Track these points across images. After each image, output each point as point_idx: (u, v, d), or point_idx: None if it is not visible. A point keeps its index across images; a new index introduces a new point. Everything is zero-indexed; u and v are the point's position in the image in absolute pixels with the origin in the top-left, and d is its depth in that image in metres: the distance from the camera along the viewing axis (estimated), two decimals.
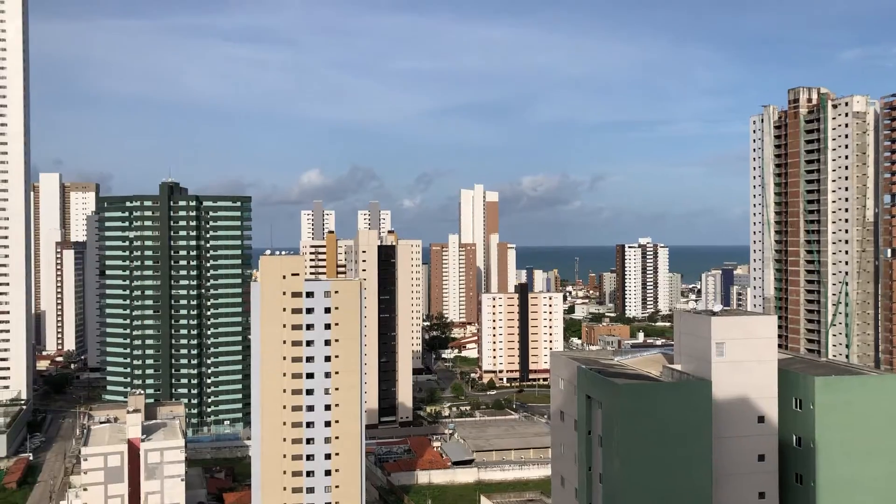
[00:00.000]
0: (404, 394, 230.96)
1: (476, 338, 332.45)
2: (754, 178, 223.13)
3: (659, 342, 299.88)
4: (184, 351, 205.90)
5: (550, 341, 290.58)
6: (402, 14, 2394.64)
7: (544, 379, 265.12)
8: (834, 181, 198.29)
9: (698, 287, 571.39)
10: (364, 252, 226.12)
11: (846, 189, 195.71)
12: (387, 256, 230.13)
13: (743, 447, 60.15)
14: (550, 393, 79.10)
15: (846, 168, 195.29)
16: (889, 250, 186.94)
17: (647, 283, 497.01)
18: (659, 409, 57.73)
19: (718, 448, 58.52)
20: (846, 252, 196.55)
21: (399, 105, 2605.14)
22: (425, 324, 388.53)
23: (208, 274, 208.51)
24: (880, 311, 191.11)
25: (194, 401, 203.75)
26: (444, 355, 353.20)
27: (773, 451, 60.78)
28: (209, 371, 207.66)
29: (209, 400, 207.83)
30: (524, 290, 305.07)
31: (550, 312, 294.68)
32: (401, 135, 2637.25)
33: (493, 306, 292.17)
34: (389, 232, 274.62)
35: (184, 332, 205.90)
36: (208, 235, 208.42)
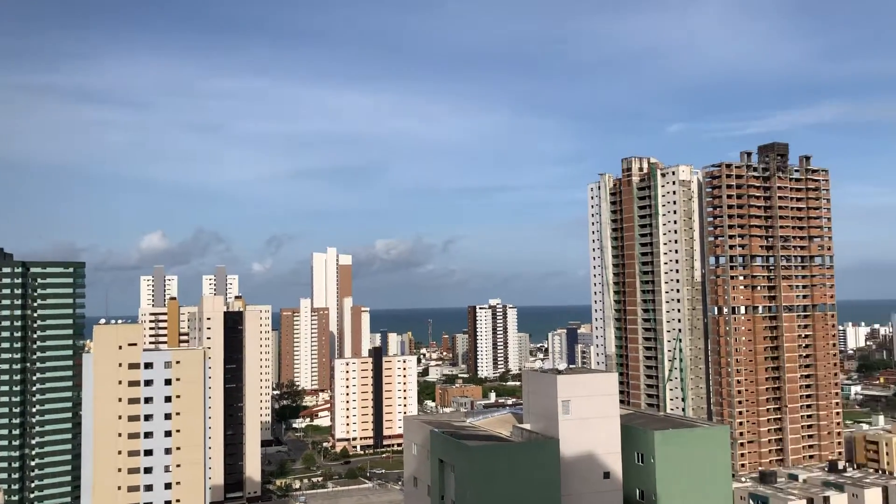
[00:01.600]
0: (252, 467, 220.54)
1: (329, 405, 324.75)
2: (594, 241, 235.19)
3: (510, 402, 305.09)
4: (3, 432, 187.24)
5: (405, 405, 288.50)
6: (255, 77, 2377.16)
7: (399, 444, 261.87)
8: (665, 244, 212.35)
9: (545, 346, 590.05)
10: (209, 319, 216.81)
11: (676, 251, 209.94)
12: (233, 323, 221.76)
13: (590, 503, 61.25)
14: (404, 458, 77.82)
15: (675, 232, 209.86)
16: (716, 308, 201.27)
17: (498, 344, 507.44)
18: (509, 469, 57.95)
19: None
20: (678, 311, 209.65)
21: (249, 167, 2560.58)
22: (275, 392, 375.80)
23: (35, 346, 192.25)
24: (710, 366, 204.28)
25: (15, 486, 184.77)
26: (295, 425, 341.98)
27: None
28: (33, 453, 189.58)
29: (33, 485, 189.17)
30: (378, 354, 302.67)
31: (405, 376, 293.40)
32: (250, 198, 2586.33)
33: (347, 372, 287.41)
34: (237, 297, 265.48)
35: (4, 410, 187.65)
36: (35, 304, 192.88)
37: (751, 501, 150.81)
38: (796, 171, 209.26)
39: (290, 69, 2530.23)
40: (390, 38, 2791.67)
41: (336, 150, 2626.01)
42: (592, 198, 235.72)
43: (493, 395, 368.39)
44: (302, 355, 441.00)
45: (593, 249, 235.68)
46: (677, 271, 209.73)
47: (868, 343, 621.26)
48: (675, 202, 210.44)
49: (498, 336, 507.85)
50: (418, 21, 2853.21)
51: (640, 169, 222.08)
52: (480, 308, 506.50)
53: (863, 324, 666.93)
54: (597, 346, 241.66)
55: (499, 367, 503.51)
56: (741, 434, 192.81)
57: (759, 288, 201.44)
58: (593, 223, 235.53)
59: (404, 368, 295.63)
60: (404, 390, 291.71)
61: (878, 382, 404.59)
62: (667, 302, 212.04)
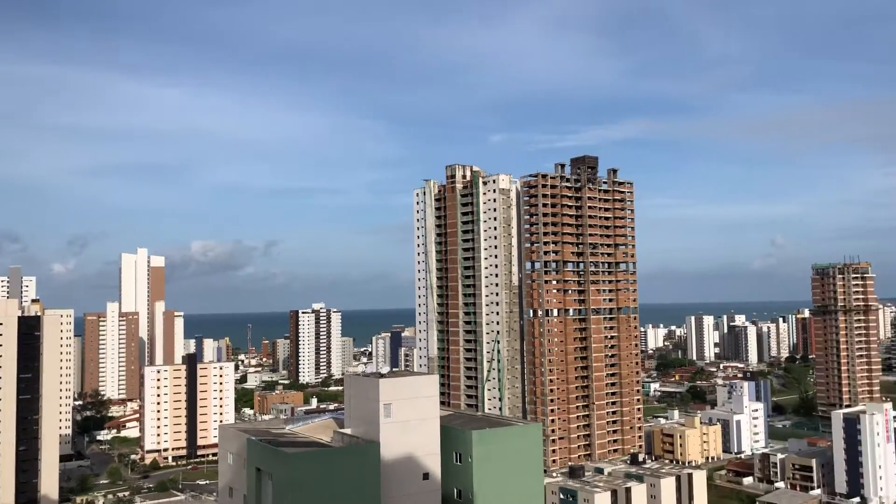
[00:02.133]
0: (49, 485, 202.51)
1: (138, 415, 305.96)
2: (419, 245, 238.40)
3: (332, 407, 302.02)
4: None
5: (221, 413, 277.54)
6: (59, 65, 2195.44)
7: (214, 454, 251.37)
8: (486, 249, 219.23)
9: (369, 350, 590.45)
10: (0, 325, 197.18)
11: (496, 257, 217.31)
12: (29, 329, 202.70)
13: None
14: (219, 468, 74.43)
15: (495, 238, 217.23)
16: (531, 311, 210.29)
17: (321, 349, 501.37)
18: (329, 475, 56.93)
19: None
20: (497, 313, 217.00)
21: (50, 161, 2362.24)
22: (78, 403, 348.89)
23: None
24: (525, 366, 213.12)
25: None
26: (99, 437, 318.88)
27: None
28: None
29: None
30: (192, 361, 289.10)
31: (221, 383, 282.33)
32: (51, 193, 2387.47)
33: (158, 380, 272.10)
34: (34, 301, 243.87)
35: None
36: None
37: (561, 496, 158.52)
38: (605, 183, 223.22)
39: (97, 56, 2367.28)
40: (208, 30, 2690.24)
41: (148, 146, 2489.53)
42: (418, 203, 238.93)
43: (314, 401, 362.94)
44: (108, 363, 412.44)
45: (418, 254, 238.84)
46: (497, 276, 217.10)
47: (666, 343, 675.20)
48: (495, 209, 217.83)
49: (321, 341, 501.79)
50: (238, 15, 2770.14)
51: (464, 176, 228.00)
52: (303, 312, 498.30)
53: (661, 325, 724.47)
54: (420, 348, 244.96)
55: (321, 372, 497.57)
56: (553, 431, 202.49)
57: (570, 292, 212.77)
58: (419, 228, 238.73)
59: (221, 375, 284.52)
60: (220, 398, 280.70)
61: (674, 379, 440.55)
62: (486, 305, 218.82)
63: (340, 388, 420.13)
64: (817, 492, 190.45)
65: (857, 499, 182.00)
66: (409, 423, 61.93)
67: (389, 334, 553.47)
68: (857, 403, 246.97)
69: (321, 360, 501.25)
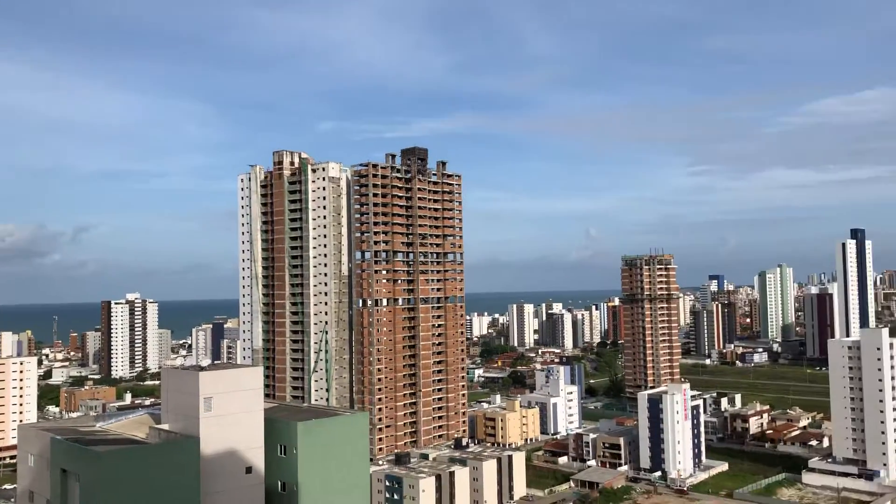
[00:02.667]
0: None
1: None
2: (244, 233, 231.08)
3: (148, 402, 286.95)
4: None
5: (21, 413, 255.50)
6: None
7: (13, 457, 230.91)
8: (315, 238, 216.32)
9: (189, 342, 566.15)
10: None
11: (325, 246, 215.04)
12: None
13: (231, 500, 59.64)
14: (17, 472, 68.50)
15: (324, 227, 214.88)
16: (361, 301, 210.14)
17: (136, 341, 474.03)
18: (144, 473, 54.00)
19: None
20: (326, 304, 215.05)
21: None
22: None
23: None
24: (354, 356, 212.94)
25: None
26: None
27: (259, 500, 61.57)
28: None
29: None
30: None
31: (21, 380, 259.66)
32: None
33: None
34: None
35: None
36: None
37: (387, 483, 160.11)
38: (434, 174, 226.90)
39: None
40: (22, 3, 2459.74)
41: None
42: (243, 189, 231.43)
43: (128, 397, 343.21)
44: None
45: (243, 242, 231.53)
46: (325, 265, 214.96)
47: (490, 331, 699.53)
48: (325, 198, 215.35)
49: (136, 333, 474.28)
50: None
51: (292, 163, 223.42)
52: (116, 303, 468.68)
53: (486, 314, 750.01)
54: (244, 340, 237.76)
55: (136, 366, 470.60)
56: (380, 419, 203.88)
57: (399, 282, 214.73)
58: (243, 215, 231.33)
59: (21, 371, 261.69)
60: (21, 395, 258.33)
61: (496, 365, 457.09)
62: (315, 295, 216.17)
63: (157, 382, 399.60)
64: (625, 468, 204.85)
65: (659, 472, 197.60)
66: (230, 416, 60.07)
67: (211, 326, 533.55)
68: (661, 385, 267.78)
69: (136, 354, 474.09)
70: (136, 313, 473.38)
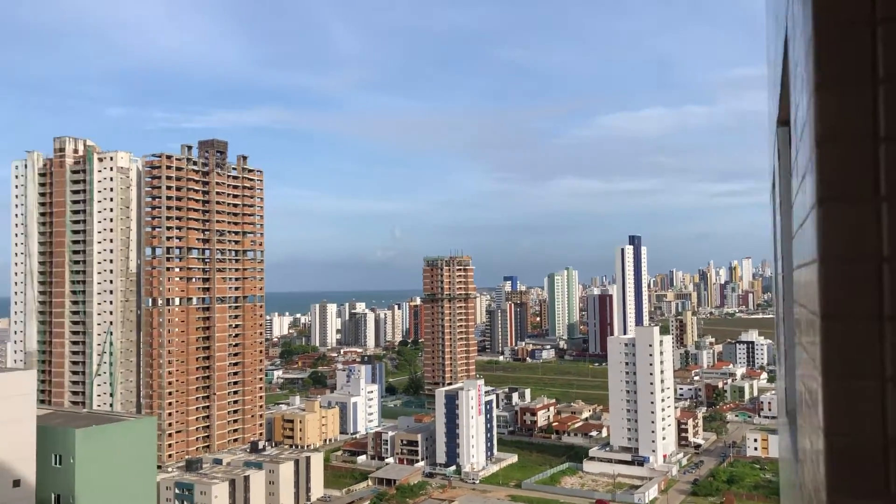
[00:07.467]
0: None
1: None
2: (17, 225, 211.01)
3: None
4: None
5: None
6: None
7: None
8: (100, 233, 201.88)
9: None
10: None
11: (111, 241, 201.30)
12: None
13: None
14: None
15: (111, 221, 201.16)
16: (150, 300, 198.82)
17: None
18: None
19: None
20: (111, 303, 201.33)
21: None
22: None
23: None
24: (142, 358, 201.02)
25: None
26: None
27: None
28: None
29: None
30: None
31: None
32: None
33: None
34: None
35: None
36: None
37: (177, 490, 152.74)
38: (234, 169, 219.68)
39: None
40: None
41: None
42: (17, 177, 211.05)
43: None
44: None
45: (16, 235, 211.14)
46: (112, 262, 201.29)
47: (291, 331, 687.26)
48: (112, 189, 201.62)
49: None
50: None
51: (76, 151, 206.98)
52: None
53: (287, 314, 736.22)
54: (15, 342, 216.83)
55: None
56: (170, 424, 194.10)
57: (194, 280, 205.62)
58: (17, 206, 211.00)
59: None
60: None
61: (297, 366, 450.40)
62: (99, 294, 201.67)
63: None
64: (421, 464, 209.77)
65: (454, 467, 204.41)
66: None
67: None
68: (458, 381, 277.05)
69: None
70: None
